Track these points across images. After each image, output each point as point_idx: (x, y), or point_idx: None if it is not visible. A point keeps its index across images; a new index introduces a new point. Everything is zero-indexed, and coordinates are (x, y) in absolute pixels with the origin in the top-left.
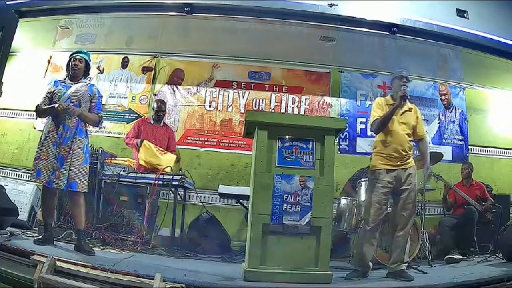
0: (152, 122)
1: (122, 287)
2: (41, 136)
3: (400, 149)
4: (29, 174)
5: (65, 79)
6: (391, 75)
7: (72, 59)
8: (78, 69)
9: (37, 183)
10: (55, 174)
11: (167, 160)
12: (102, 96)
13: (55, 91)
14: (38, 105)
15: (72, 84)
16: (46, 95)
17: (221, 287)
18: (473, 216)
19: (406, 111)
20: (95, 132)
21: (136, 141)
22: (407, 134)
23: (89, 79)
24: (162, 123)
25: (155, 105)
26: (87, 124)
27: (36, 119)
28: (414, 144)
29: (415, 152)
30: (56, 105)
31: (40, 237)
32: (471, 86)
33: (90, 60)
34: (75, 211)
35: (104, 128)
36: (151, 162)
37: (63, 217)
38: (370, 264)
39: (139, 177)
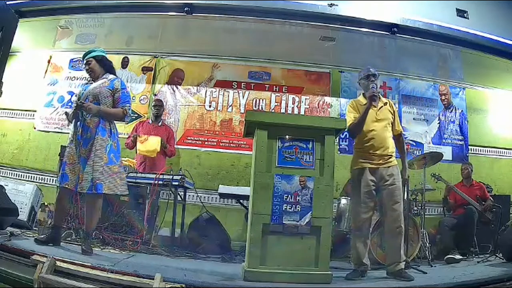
0: (151, 121)
1: (122, 287)
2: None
3: (380, 146)
4: (29, 174)
5: (89, 79)
6: (391, 75)
7: (84, 65)
8: (91, 70)
9: (65, 187)
10: (79, 177)
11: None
12: (126, 88)
13: (78, 93)
14: (66, 112)
15: (90, 83)
16: (74, 99)
17: (221, 287)
18: (473, 216)
19: (381, 106)
20: None
21: (131, 137)
22: (387, 130)
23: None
24: (161, 122)
25: (153, 102)
26: (111, 121)
27: (68, 125)
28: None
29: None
30: (73, 107)
31: (42, 236)
32: (471, 86)
33: (103, 56)
34: (90, 213)
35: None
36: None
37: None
38: (367, 261)
39: (139, 177)
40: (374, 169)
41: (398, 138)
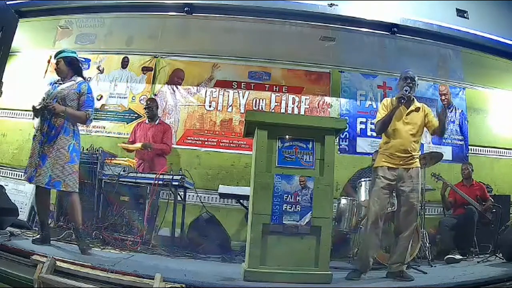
0: (147, 121)
1: (122, 287)
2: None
3: (402, 148)
4: None
5: (59, 79)
6: (391, 75)
7: (53, 60)
8: (59, 70)
9: (23, 180)
10: (37, 171)
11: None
12: (91, 93)
13: (47, 92)
14: (33, 105)
15: (60, 84)
16: (43, 96)
17: (221, 287)
18: (473, 216)
19: (412, 111)
20: (95, 132)
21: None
22: (412, 134)
23: (89, 78)
24: (157, 121)
25: (144, 104)
26: (75, 123)
27: (33, 119)
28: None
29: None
30: (41, 104)
31: (38, 236)
32: (471, 86)
33: (73, 58)
34: (69, 210)
35: (104, 128)
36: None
37: (63, 217)
38: (371, 261)
39: (139, 177)
40: (394, 168)
41: (437, 131)
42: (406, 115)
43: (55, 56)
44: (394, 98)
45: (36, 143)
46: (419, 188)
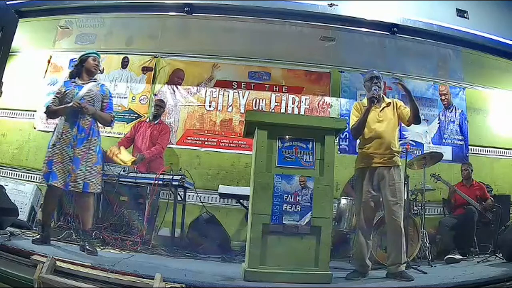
0: (148, 120)
1: (122, 287)
2: (52, 137)
3: (381, 146)
4: (29, 174)
5: (74, 79)
6: (391, 75)
7: (91, 59)
8: (96, 70)
9: (53, 186)
10: (71, 176)
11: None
12: (112, 96)
13: (66, 92)
14: (48, 105)
15: (83, 84)
16: (56, 96)
17: (221, 287)
18: (473, 216)
19: (384, 107)
20: None
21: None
22: (388, 130)
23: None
24: (157, 121)
25: (154, 102)
26: (99, 124)
27: (47, 120)
28: (402, 144)
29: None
30: (71, 104)
31: (38, 236)
32: (471, 86)
33: None
34: (84, 213)
35: (104, 128)
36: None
37: (63, 217)
38: (368, 263)
39: (139, 177)
40: (375, 168)
41: (410, 118)
42: (380, 112)
43: (92, 53)
44: (364, 101)
45: (64, 147)
46: (401, 187)
